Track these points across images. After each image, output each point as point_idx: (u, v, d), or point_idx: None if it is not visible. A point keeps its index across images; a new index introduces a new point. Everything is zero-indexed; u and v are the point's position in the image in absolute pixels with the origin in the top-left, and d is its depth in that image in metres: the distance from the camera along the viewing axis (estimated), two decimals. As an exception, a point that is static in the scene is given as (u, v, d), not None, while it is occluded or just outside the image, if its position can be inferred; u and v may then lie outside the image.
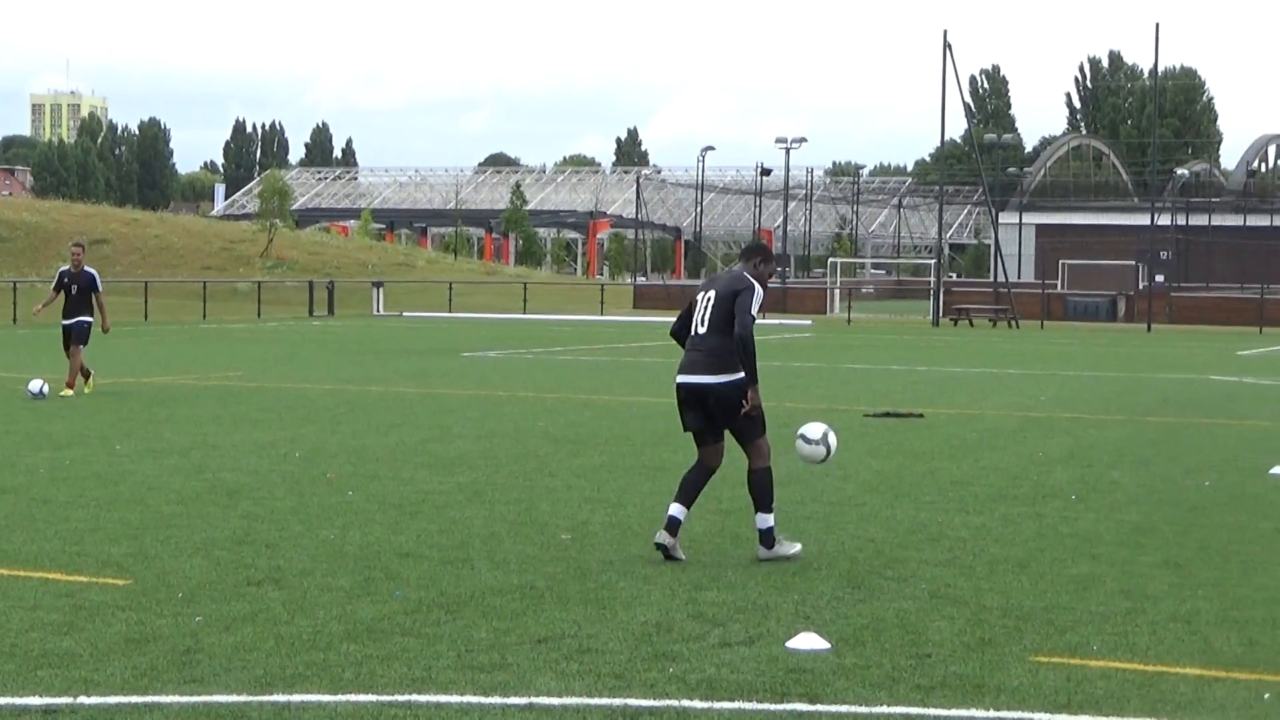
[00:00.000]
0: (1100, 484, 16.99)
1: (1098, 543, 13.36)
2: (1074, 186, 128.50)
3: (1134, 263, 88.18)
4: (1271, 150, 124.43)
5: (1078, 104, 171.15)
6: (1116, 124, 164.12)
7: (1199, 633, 10.10)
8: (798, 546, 12.45)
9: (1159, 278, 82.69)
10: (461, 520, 13.99)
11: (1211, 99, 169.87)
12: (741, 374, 12.18)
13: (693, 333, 12.46)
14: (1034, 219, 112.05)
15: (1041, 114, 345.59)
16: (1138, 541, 13.44)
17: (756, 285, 12.32)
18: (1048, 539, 13.50)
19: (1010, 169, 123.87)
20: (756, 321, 12.30)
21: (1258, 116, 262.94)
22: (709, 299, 12.40)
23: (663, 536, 12.21)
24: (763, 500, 12.32)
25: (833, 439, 12.91)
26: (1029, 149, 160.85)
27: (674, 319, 12.88)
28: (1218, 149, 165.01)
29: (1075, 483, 17.02)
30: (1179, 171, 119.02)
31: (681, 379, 12.44)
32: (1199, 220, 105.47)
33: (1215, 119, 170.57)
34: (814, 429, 12.92)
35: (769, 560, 12.20)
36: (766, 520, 12.29)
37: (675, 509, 12.32)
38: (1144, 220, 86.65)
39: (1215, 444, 21.21)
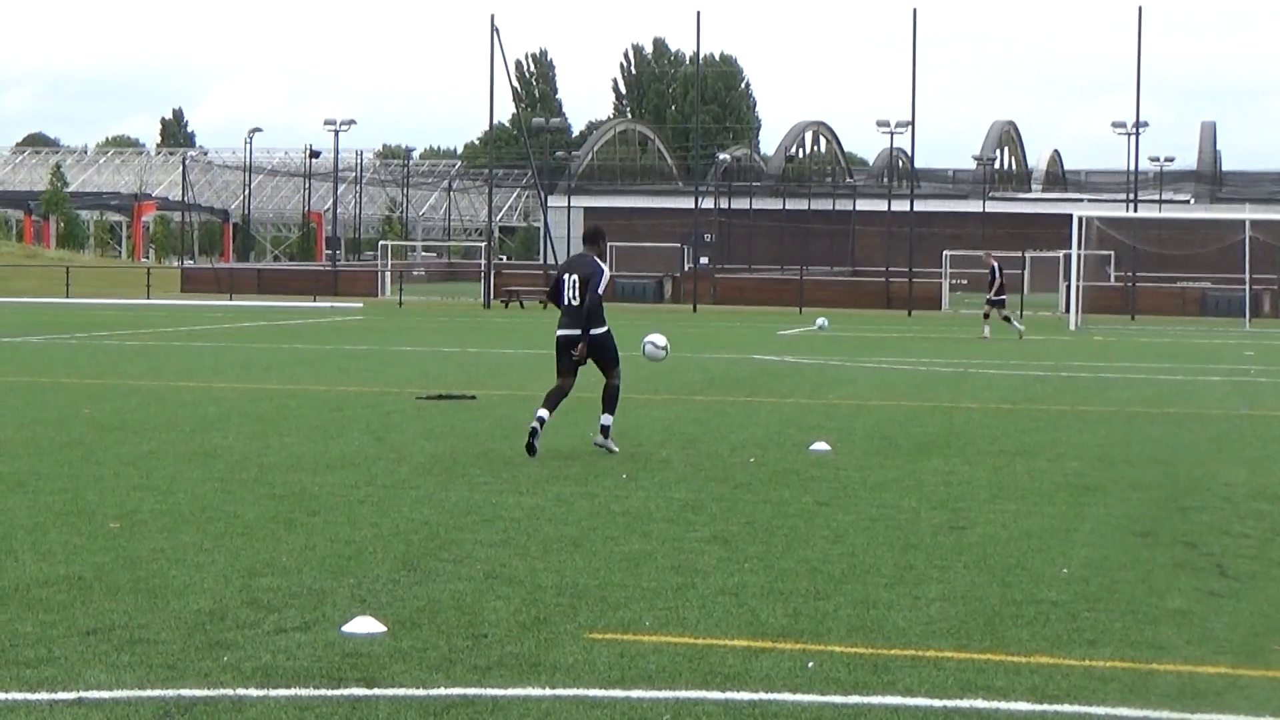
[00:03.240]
0: (650, 463, 17.31)
1: (649, 520, 13.61)
2: (621, 170, 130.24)
3: (679, 245, 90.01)
4: (808, 136, 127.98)
5: (624, 90, 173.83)
6: (661, 109, 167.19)
7: (746, 605, 10.38)
8: (617, 449, 17.57)
9: (703, 260, 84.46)
10: (3, 511, 13.55)
11: (749, 86, 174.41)
12: (600, 328, 17.62)
13: (567, 304, 17.66)
14: (582, 202, 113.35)
15: (589, 99, 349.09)
16: (687, 518, 13.74)
17: (604, 268, 17.69)
18: (600, 517, 13.71)
19: (558, 153, 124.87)
20: (603, 292, 17.57)
21: (792, 104, 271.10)
22: (574, 281, 17.64)
23: (536, 428, 17.11)
24: (611, 405, 17.69)
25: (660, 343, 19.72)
26: (576, 133, 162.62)
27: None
28: (757, 135, 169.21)
29: (625, 461, 17.30)
30: (720, 156, 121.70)
31: (561, 332, 17.74)
32: (741, 204, 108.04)
33: (754, 105, 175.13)
34: (659, 338, 19.88)
35: (601, 447, 17.57)
36: (610, 419, 17.67)
37: (543, 412, 17.34)
38: (688, 204, 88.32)
39: (759, 421, 21.81)
